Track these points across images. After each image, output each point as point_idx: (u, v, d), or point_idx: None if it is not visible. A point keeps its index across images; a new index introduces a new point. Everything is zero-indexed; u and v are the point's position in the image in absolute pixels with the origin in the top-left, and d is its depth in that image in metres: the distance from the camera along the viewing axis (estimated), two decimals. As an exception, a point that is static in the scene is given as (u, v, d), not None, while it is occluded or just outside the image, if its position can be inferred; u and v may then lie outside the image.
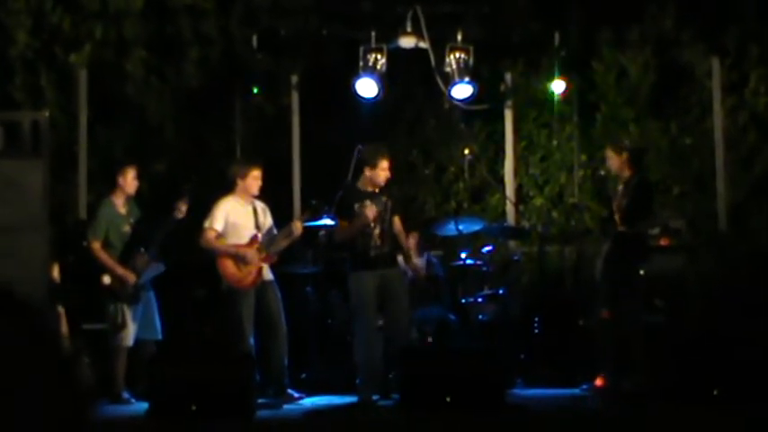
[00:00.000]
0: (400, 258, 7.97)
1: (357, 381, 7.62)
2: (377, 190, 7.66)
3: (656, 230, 8.50)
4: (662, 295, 8.34)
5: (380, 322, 7.71)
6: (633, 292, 7.71)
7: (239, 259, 7.68)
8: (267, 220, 7.94)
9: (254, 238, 7.76)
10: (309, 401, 7.75)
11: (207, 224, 7.73)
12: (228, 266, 7.69)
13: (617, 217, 7.82)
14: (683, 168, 9.75)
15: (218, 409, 6.78)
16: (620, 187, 7.89)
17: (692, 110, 9.83)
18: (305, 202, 9.63)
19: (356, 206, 7.59)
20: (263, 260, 7.74)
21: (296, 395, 7.70)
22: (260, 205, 7.93)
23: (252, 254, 7.69)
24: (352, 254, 7.68)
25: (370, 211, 7.50)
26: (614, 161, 7.93)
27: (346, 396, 7.83)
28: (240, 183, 7.80)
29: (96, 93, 9.59)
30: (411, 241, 8.47)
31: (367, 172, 7.65)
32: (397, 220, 7.80)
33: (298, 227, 7.80)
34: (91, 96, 9.57)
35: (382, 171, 7.62)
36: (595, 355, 7.86)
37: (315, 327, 8.75)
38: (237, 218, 7.77)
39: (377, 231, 7.62)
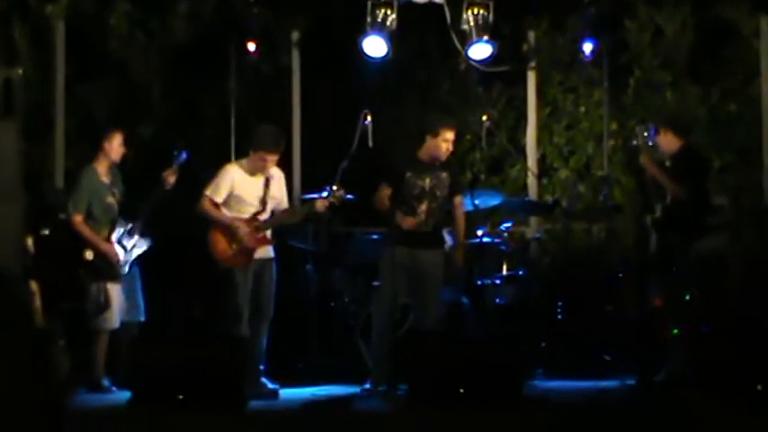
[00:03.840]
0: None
1: (371, 365, 7.76)
2: (436, 163, 7.72)
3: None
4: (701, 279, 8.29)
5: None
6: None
7: (231, 233, 7.59)
8: (281, 190, 7.85)
9: (255, 216, 7.67)
10: (309, 392, 7.71)
11: (208, 192, 7.67)
12: (219, 242, 7.62)
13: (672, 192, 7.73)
14: (725, 139, 9.66)
15: (208, 399, 6.76)
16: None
17: (735, 74, 9.74)
18: (305, 171, 9.60)
19: (407, 175, 7.65)
20: (259, 242, 7.65)
21: (270, 386, 7.62)
22: (276, 174, 7.81)
23: (245, 231, 7.60)
24: (389, 226, 7.72)
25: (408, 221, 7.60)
26: (662, 142, 7.88)
27: (349, 386, 7.86)
28: (252, 156, 7.70)
29: (75, 48, 9.54)
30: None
31: (428, 140, 7.70)
32: (458, 202, 7.82)
33: (322, 206, 7.70)
34: (69, 52, 9.51)
35: (444, 142, 7.67)
36: (658, 348, 7.78)
37: (315, 310, 8.73)
38: (243, 190, 7.69)
39: (423, 207, 7.62)
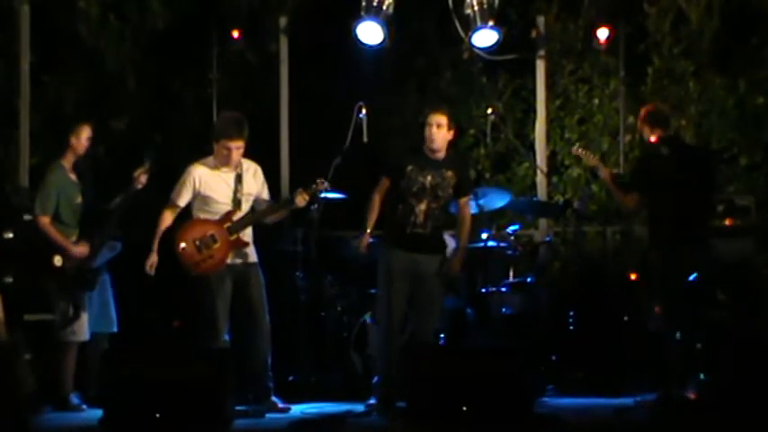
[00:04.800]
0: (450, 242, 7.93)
1: (373, 379, 7.72)
2: (440, 156, 7.66)
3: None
4: (724, 287, 8.30)
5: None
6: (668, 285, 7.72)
7: (198, 237, 7.57)
8: (257, 185, 7.83)
9: (227, 216, 7.66)
10: (299, 409, 7.72)
11: (172, 195, 7.70)
12: (187, 246, 7.59)
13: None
14: (752, 134, 9.69)
15: (188, 417, 6.73)
16: None
17: (764, 63, 9.75)
18: (294, 169, 9.59)
19: (409, 168, 7.62)
20: (232, 244, 7.64)
21: (280, 404, 7.66)
22: (250, 167, 7.80)
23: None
24: (387, 227, 7.71)
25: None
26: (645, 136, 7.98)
27: (342, 403, 7.85)
28: (216, 148, 7.71)
29: (41, 34, 9.52)
30: None
31: (424, 133, 7.68)
32: (464, 203, 7.80)
33: (301, 200, 7.69)
34: (34, 38, 9.49)
35: (432, 126, 7.61)
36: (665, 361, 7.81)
37: (305, 320, 8.71)
38: (210, 189, 7.65)
39: (422, 206, 7.61)
